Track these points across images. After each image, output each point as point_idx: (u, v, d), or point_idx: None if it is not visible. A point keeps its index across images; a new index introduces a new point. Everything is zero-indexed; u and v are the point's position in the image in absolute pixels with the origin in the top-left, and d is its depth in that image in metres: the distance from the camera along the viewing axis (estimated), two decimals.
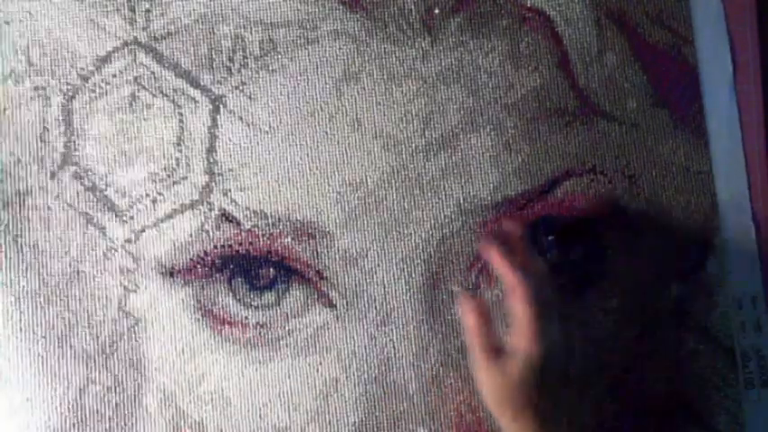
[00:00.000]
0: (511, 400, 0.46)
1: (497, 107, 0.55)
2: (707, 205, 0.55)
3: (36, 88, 0.53)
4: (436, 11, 0.55)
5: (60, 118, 0.53)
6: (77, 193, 0.53)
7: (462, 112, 0.54)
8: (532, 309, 0.45)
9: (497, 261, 0.48)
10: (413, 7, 0.55)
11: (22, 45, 0.53)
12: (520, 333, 0.45)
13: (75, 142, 0.53)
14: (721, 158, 0.56)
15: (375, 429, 0.53)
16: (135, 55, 0.54)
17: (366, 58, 0.54)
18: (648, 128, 0.55)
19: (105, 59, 0.54)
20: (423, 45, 0.54)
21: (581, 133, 0.55)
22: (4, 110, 0.53)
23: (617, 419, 0.54)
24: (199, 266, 0.53)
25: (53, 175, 0.53)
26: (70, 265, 0.52)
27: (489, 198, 0.54)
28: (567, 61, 0.55)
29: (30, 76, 0.53)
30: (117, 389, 0.52)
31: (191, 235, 0.53)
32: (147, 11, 0.54)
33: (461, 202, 0.54)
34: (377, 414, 0.53)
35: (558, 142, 0.55)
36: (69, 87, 0.53)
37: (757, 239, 0.56)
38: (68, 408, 0.51)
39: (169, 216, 0.53)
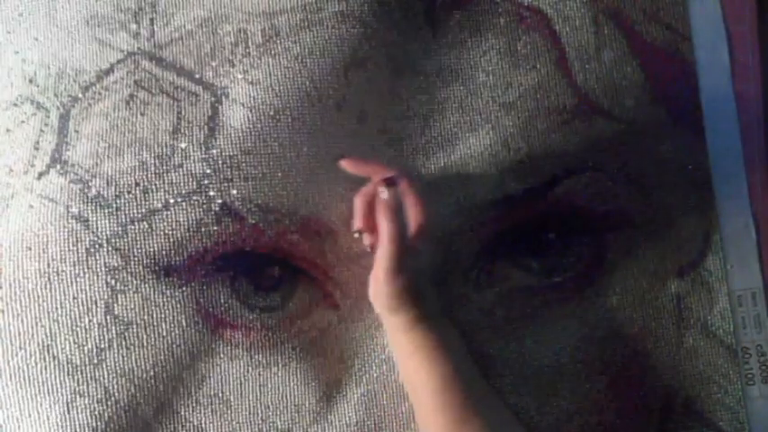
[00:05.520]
0: (384, 298, 0.48)
1: (496, 106, 0.54)
2: (706, 202, 0.56)
3: (38, 106, 0.52)
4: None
5: (57, 126, 0.52)
6: (60, 187, 0.50)
7: (461, 110, 0.54)
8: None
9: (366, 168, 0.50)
10: None
11: (29, 71, 0.52)
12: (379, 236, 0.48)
13: (66, 143, 0.51)
14: (720, 155, 0.56)
15: (377, 430, 0.53)
16: (137, 63, 0.52)
17: (373, 44, 0.53)
18: (647, 125, 0.55)
19: (108, 71, 0.52)
20: (425, 38, 0.54)
21: (579, 131, 0.55)
22: (7, 131, 0.52)
23: (618, 417, 0.54)
24: (198, 265, 0.51)
25: (40, 176, 0.51)
26: (49, 265, 0.50)
27: (489, 197, 0.54)
28: (564, 59, 0.55)
29: (33, 96, 0.52)
30: (108, 401, 0.50)
31: (187, 230, 0.50)
32: (152, 20, 0.52)
33: (461, 200, 0.53)
34: (379, 414, 0.53)
35: (556, 140, 0.55)
36: (70, 99, 0.52)
37: (756, 236, 0.56)
38: (56, 423, 0.49)
39: (162, 208, 0.50)
